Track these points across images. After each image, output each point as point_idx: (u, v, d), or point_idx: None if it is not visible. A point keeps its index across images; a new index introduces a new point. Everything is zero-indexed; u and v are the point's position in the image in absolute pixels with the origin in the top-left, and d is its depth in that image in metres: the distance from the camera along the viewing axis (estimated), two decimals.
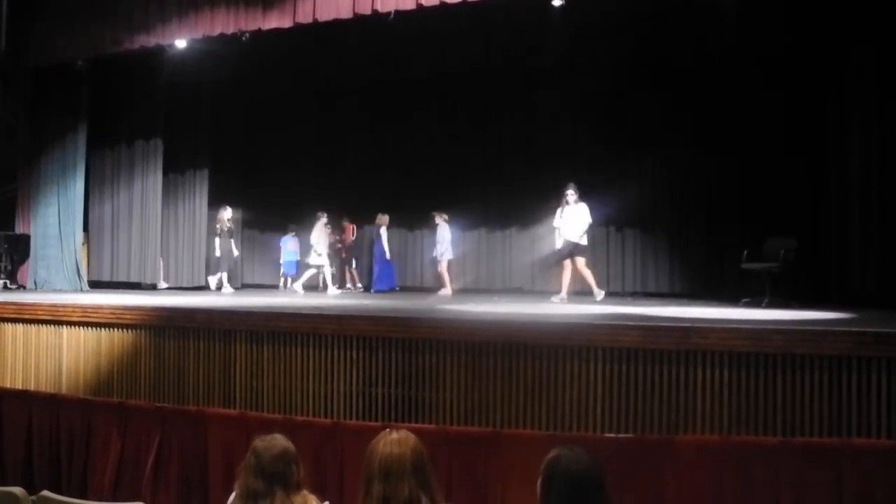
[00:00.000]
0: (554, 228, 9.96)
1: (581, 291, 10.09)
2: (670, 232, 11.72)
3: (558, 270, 10.17)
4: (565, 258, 9.77)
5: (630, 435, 4.98)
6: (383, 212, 12.79)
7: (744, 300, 8.79)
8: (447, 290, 11.98)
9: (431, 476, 2.87)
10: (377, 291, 12.45)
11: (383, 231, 12.65)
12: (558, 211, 9.80)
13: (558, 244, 9.87)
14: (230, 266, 12.61)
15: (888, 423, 4.64)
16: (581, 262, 9.69)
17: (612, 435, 5.01)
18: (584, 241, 9.70)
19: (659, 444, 4.76)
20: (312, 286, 12.98)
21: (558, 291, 9.77)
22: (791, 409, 4.82)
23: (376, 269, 12.82)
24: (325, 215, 12.78)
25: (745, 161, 10.95)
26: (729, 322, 5.81)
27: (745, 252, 9.16)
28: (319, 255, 12.57)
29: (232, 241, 12.52)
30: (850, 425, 4.71)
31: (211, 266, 12.89)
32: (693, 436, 4.89)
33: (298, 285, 12.56)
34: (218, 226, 12.41)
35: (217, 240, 12.38)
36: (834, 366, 4.77)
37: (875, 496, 4.37)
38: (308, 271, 12.79)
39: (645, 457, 4.69)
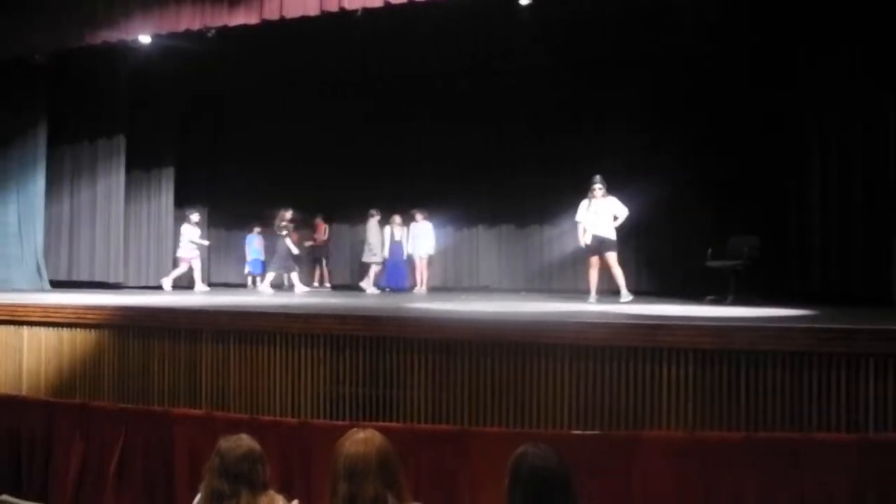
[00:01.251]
0: (575, 223, 9.26)
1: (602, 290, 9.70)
2: (637, 230, 11.79)
3: (584, 269, 9.47)
4: (593, 255, 9.08)
5: (597, 431, 5.01)
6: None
7: (708, 297, 8.88)
8: (422, 288, 11.99)
9: (399, 474, 2.85)
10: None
11: (385, 229, 12.61)
12: (583, 204, 9.12)
13: (582, 240, 9.13)
14: (294, 266, 12.44)
15: (847, 417, 4.73)
16: (613, 257, 9.00)
17: (578, 431, 5.04)
18: (613, 236, 9.04)
19: (625, 441, 4.79)
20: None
21: (591, 290, 9.13)
22: (755, 404, 4.89)
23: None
24: (378, 213, 12.55)
25: (707, 159, 11.08)
26: (694, 319, 5.89)
27: (710, 250, 9.26)
28: (374, 253, 12.42)
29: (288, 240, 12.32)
30: (811, 420, 4.79)
31: (270, 265, 12.71)
32: (659, 432, 4.94)
33: (369, 285, 12.31)
34: (283, 224, 12.20)
35: (287, 241, 12.19)
36: (796, 362, 4.85)
37: (836, 489, 4.45)
38: (372, 269, 12.54)
39: (612, 453, 4.72)
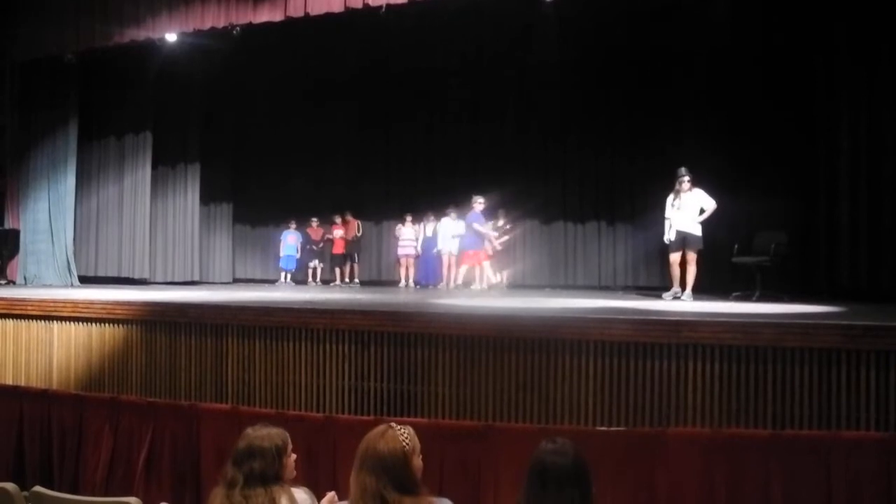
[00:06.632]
0: (665, 219, 8.78)
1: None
2: (661, 226, 11.74)
3: (666, 265, 9.16)
4: (675, 251, 8.70)
5: (621, 428, 5.00)
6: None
7: (734, 294, 8.81)
8: (451, 284, 12.08)
9: (412, 469, 2.89)
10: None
11: (420, 226, 12.93)
12: (669, 199, 8.73)
13: (667, 236, 8.76)
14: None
15: (877, 415, 4.68)
16: (694, 255, 8.55)
17: (603, 428, 5.03)
18: (698, 232, 8.59)
19: (650, 437, 4.77)
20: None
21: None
22: (781, 402, 4.85)
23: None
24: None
25: (735, 155, 11.00)
26: (719, 316, 5.84)
27: (736, 246, 9.18)
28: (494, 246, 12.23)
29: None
30: (839, 418, 4.74)
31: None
32: (684, 429, 4.91)
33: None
34: None
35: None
36: (824, 359, 4.80)
37: (863, 488, 4.40)
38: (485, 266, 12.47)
39: (636, 450, 4.71)
